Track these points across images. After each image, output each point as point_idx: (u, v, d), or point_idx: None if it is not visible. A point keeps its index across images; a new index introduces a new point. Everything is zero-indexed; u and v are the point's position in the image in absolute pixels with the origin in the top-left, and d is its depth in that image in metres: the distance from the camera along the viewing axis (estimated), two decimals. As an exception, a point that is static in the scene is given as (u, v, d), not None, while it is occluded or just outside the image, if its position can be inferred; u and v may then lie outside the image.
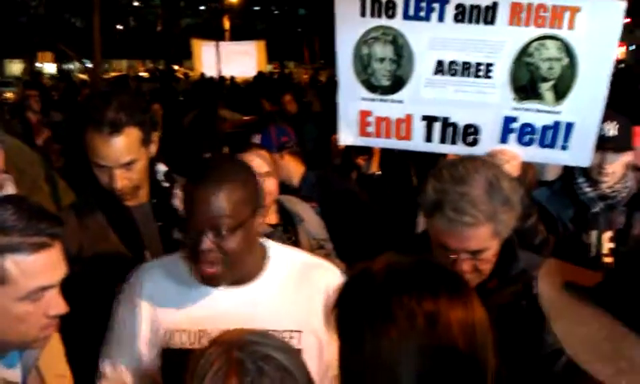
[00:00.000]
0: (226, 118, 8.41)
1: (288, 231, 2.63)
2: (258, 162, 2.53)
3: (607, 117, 2.47)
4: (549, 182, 3.10)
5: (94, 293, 2.09)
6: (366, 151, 4.10)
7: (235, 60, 19.58)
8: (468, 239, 1.68)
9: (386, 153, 4.04)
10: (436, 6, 2.32)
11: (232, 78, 17.31)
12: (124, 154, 2.08)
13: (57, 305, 1.42)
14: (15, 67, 32.75)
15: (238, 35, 25.81)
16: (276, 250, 1.81)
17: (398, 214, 2.90)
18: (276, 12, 43.32)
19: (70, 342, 1.76)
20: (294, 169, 3.31)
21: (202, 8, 38.95)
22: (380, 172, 4.10)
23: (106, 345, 1.82)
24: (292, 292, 1.73)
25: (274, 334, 1.30)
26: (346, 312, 1.11)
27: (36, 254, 1.35)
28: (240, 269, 1.68)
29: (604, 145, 2.53)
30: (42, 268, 1.37)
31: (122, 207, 2.21)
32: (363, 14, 2.38)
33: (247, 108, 9.38)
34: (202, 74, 18.71)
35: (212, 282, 1.66)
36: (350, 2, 2.38)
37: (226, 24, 26.81)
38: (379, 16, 2.37)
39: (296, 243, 2.55)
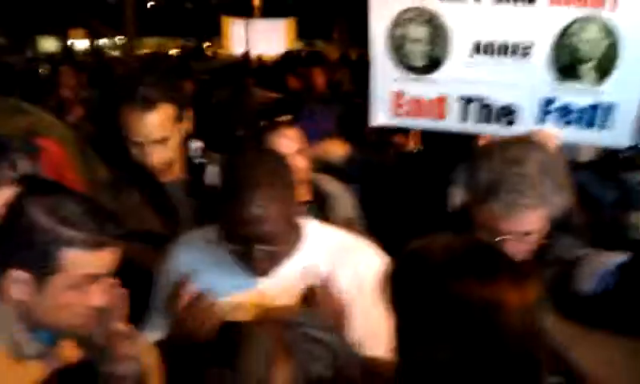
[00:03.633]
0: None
1: (322, 209, 2.63)
2: (286, 140, 2.52)
3: None
4: (582, 163, 3.06)
5: (129, 269, 2.12)
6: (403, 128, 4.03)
7: (264, 38, 19.52)
8: (522, 222, 1.65)
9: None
10: None
11: (259, 57, 17.26)
12: (157, 130, 2.09)
13: (100, 295, 1.44)
14: (47, 44, 33.12)
15: (267, 12, 25.68)
16: (313, 229, 1.80)
17: (440, 192, 2.86)
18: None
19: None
20: (336, 149, 3.28)
21: (232, -15, 38.89)
22: (421, 147, 4.02)
23: (147, 312, 1.89)
24: (326, 269, 1.70)
25: (320, 315, 1.30)
26: (402, 290, 1.12)
27: (94, 251, 1.38)
28: (284, 254, 1.69)
29: None
30: (95, 262, 1.40)
31: (156, 183, 2.23)
32: None
33: (274, 86, 9.34)
34: (214, 52, 18.66)
35: (263, 275, 1.68)
36: None
37: (256, 1, 26.71)
38: None
39: (328, 221, 2.54)
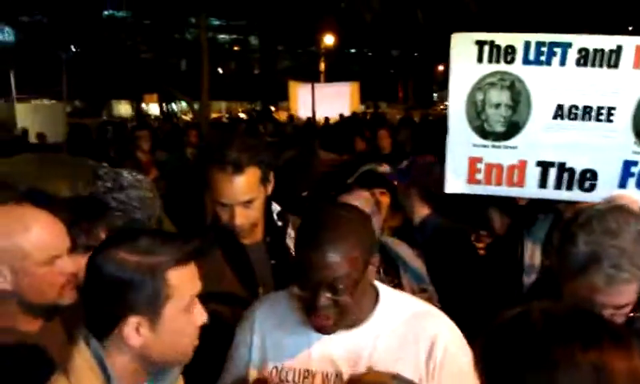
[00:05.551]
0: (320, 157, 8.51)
1: (389, 273, 2.61)
2: (360, 203, 2.53)
3: None
4: None
5: (209, 330, 2.15)
6: None
7: (330, 101, 19.87)
8: (620, 295, 1.64)
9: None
10: (558, 50, 2.30)
11: (326, 119, 17.56)
12: (244, 192, 2.16)
13: (202, 314, 1.49)
14: (122, 108, 34.81)
15: (332, 76, 26.26)
16: (386, 294, 1.78)
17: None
18: (369, 54, 43.79)
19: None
20: (417, 207, 3.29)
21: (299, 51, 40.04)
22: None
23: (222, 373, 1.90)
24: (400, 339, 1.69)
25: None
26: (502, 357, 1.10)
27: (186, 267, 1.44)
28: (352, 316, 1.68)
29: None
30: (192, 278, 1.47)
31: (238, 245, 2.28)
32: (480, 60, 2.38)
33: (340, 147, 9.44)
34: (290, 116, 19.18)
35: (326, 332, 1.67)
36: (466, 48, 2.39)
37: (322, 66, 27.43)
38: (497, 62, 2.37)
39: (398, 286, 2.52)
